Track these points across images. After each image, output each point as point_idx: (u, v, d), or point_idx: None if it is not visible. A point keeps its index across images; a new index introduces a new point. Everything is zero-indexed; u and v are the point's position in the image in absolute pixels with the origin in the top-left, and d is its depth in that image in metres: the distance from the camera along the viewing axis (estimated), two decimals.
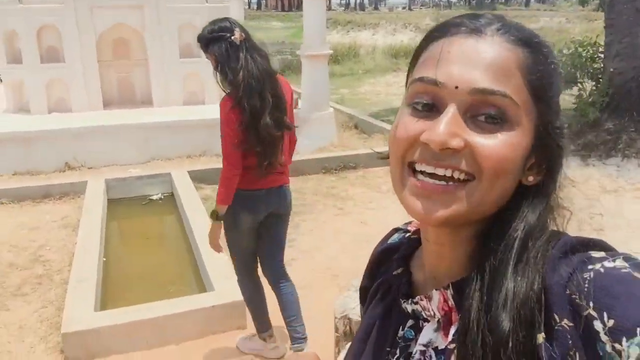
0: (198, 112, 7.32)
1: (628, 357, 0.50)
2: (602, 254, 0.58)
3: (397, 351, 0.72)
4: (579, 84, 7.70)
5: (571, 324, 0.54)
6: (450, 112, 0.60)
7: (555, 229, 0.66)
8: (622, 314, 0.51)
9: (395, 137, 0.65)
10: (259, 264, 3.16)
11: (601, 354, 0.52)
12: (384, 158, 0.72)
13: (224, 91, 2.76)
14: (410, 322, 0.73)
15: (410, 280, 0.76)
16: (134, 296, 3.86)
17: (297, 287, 3.19)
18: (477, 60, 0.60)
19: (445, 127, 0.59)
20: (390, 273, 0.80)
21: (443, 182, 0.61)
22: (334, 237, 4.94)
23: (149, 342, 3.32)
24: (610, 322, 0.51)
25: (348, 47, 19.03)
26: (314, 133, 7.31)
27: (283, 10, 54.97)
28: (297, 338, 3.09)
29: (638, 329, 0.50)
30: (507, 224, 0.63)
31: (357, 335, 0.81)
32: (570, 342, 0.54)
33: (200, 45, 2.81)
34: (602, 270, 0.55)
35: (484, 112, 0.60)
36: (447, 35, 0.63)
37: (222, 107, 2.74)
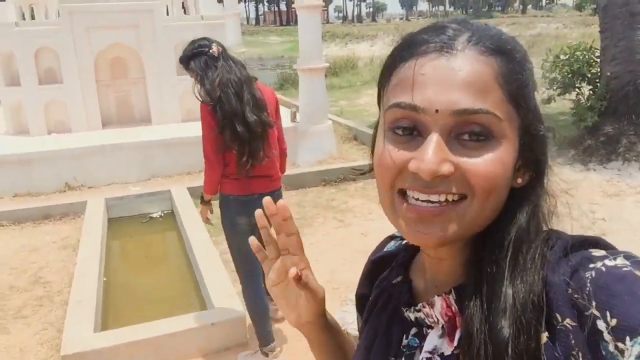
0: (196, 129, 7.29)
1: (630, 355, 0.49)
2: (602, 252, 0.58)
3: None
4: (576, 89, 7.71)
5: (574, 324, 0.54)
6: (434, 138, 0.58)
7: (553, 228, 0.65)
8: (625, 312, 0.51)
9: (381, 165, 0.63)
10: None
11: (604, 353, 0.51)
12: (363, 174, 0.71)
13: (199, 99, 2.96)
14: (413, 330, 0.72)
15: (411, 287, 0.75)
16: (135, 315, 3.84)
17: None
18: (454, 80, 0.57)
19: (433, 155, 0.57)
20: (389, 282, 0.79)
21: (437, 205, 0.60)
22: (335, 249, 4.92)
23: None
24: (614, 321, 0.51)
25: (346, 60, 19.15)
26: (313, 146, 7.32)
27: (281, 24, 55.42)
28: None
29: None
30: (500, 229, 0.62)
31: (359, 346, 0.80)
32: (573, 342, 0.53)
33: (183, 65, 3.03)
34: (603, 269, 0.55)
35: (468, 131, 0.58)
36: (415, 56, 0.60)
37: (201, 111, 2.98)
